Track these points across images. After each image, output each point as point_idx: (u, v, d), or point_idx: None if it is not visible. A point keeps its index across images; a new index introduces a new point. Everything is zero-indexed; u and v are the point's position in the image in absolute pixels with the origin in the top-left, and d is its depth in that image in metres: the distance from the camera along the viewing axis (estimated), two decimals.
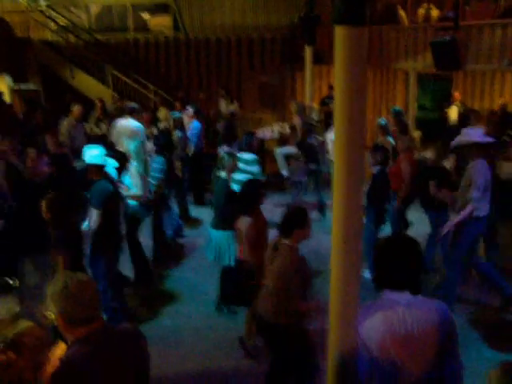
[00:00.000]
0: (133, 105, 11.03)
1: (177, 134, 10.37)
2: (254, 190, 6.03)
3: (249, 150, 8.24)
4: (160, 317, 6.89)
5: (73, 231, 5.42)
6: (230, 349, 6.10)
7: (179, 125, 10.70)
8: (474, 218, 6.40)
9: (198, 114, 11.54)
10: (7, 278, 5.07)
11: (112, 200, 6.20)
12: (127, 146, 7.89)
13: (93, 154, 6.24)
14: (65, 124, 10.75)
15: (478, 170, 6.32)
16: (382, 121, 9.49)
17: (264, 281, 4.77)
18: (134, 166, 7.72)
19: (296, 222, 4.61)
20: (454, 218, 6.54)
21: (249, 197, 5.95)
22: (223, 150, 8.55)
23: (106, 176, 6.39)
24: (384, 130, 9.35)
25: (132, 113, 10.30)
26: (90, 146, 6.57)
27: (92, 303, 2.78)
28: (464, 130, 6.65)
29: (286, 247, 4.57)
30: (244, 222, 5.78)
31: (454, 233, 6.57)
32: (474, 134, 6.49)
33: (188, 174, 10.81)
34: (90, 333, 2.73)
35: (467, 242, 6.58)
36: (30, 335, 2.63)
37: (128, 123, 10.26)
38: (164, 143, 8.79)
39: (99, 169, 6.26)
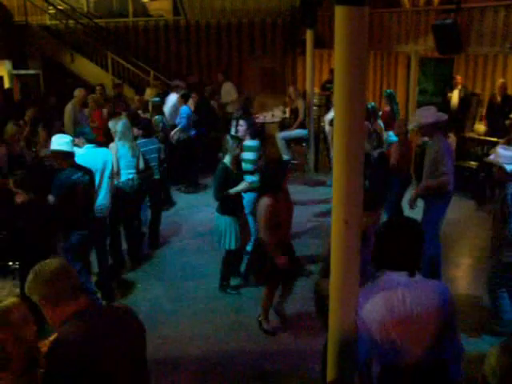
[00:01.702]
0: (177, 82, 11.60)
1: (157, 118, 10.38)
2: (275, 171, 6.02)
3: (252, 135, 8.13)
4: (159, 300, 6.90)
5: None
6: (230, 331, 6.12)
7: (158, 110, 10.71)
8: (444, 192, 6.46)
9: (186, 99, 11.50)
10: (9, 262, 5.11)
11: (73, 189, 6.11)
12: (113, 126, 7.85)
13: (60, 141, 6.21)
14: (69, 109, 10.70)
15: (441, 146, 6.45)
16: (369, 105, 9.35)
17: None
18: (114, 145, 7.62)
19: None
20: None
21: (269, 177, 5.92)
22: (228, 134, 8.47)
23: (74, 164, 6.29)
24: (373, 113, 9.29)
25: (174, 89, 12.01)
26: (58, 134, 6.58)
27: (71, 280, 2.78)
28: (418, 111, 6.80)
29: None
30: (261, 201, 5.74)
31: (424, 210, 6.67)
32: (431, 113, 6.59)
33: (178, 160, 10.86)
34: (78, 310, 2.73)
35: (438, 216, 6.64)
36: (15, 311, 2.65)
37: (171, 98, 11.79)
38: (144, 126, 8.70)
39: (66, 156, 6.21)
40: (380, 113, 9.99)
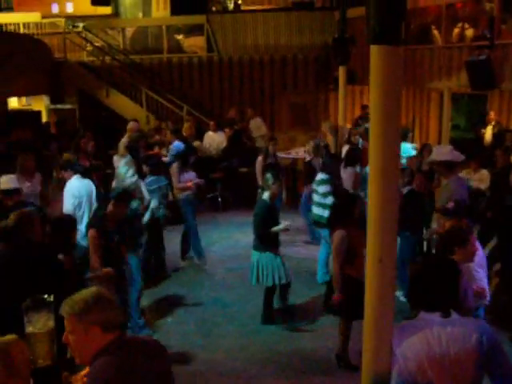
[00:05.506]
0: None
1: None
2: (348, 203, 6.03)
3: (326, 170, 8.17)
4: (190, 335, 6.87)
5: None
6: (262, 368, 6.05)
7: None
8: None
9: (177, 134, 11.45)
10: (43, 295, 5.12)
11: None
12: (117, 161, 8.00)
13: (5, 179, 6.37)
14: (124, 141, 10.83)
15: (456, 188, 6.35)
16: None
17: None
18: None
19: (456, 240, 4.48)
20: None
21: (342, 209, 5.94)
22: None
23: (20, 200, 6.34)
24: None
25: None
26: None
27: (120, 310, 2.89)
28: (435, 148, 6.75)
29: None
30: (335, 234, 5.72)
31: None
32: (445, 151, 6.52)
33: None
34: (116, 338, 2.75)
35: None
36: (14, 346, 2.70)
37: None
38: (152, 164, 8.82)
39: (12, 193, 6.31)
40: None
